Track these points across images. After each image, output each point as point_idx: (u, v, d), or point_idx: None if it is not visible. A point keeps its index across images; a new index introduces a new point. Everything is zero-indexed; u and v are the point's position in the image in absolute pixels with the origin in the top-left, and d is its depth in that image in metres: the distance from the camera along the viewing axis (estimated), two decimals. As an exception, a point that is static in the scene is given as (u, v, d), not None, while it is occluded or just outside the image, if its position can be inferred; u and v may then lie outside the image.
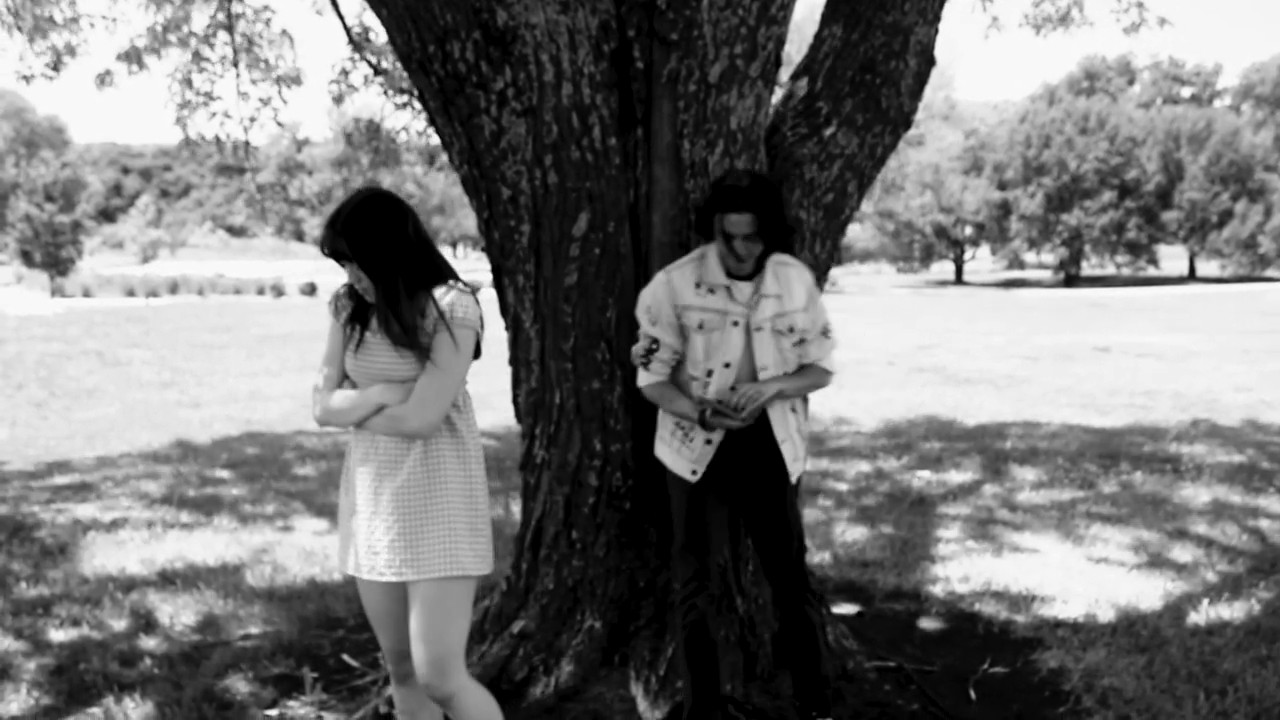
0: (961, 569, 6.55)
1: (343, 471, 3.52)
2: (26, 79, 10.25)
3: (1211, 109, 72.73)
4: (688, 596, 4.07)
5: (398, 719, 3.72)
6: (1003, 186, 66.80)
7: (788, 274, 4.05)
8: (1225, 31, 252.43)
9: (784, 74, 4.96)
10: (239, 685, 4.90)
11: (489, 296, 4.81)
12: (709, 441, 4.01)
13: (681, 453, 4.06)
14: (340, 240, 3.22)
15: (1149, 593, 6.04)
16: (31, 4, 9.60)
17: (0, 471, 10.19)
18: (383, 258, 3.23)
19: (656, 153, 4.39)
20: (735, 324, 3.94)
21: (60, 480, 9.62)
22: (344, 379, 3.43)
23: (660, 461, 4.18)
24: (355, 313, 3.37)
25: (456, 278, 3.34)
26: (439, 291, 3.29)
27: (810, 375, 4.12)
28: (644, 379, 4.05)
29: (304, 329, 28.29)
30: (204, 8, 10.27)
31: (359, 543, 3.39)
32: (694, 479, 4.03)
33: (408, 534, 3.30)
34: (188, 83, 10.68)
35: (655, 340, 3.98)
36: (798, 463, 4.16)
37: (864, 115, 4.80)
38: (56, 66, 10.25)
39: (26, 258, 56.54)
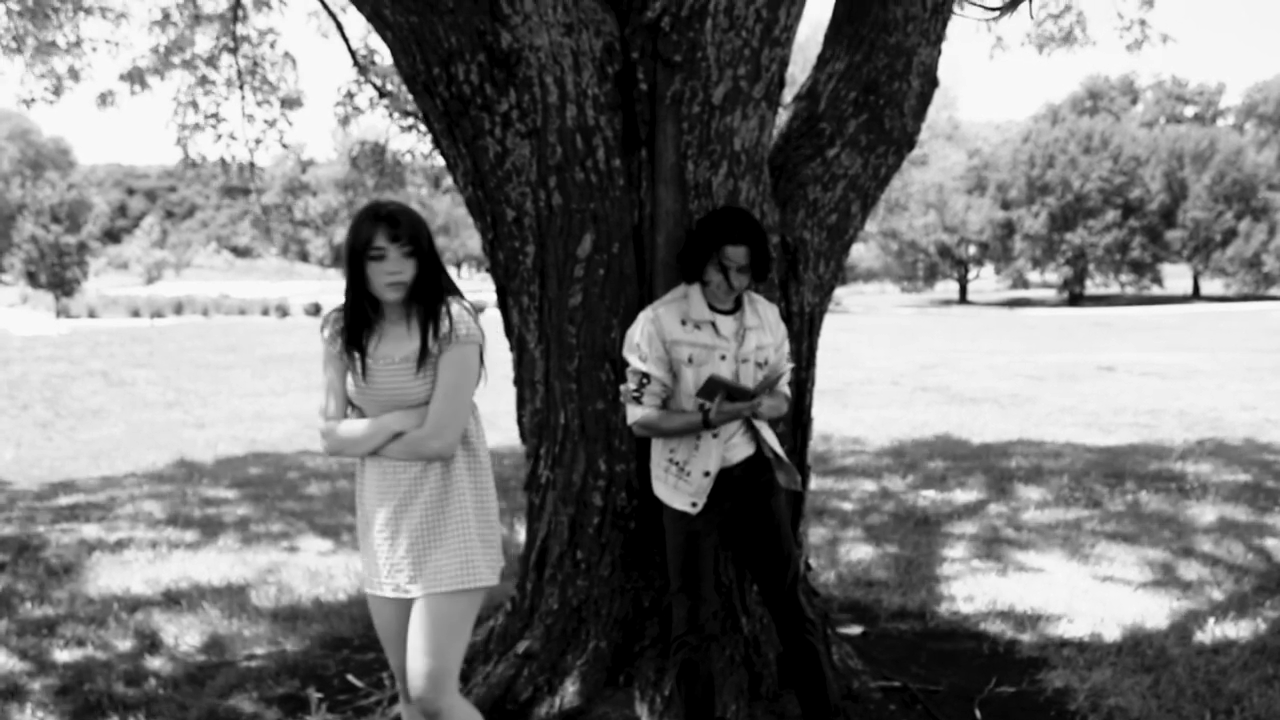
0: (967, 588, 6.54)
1: (357, 497, 3.51)
2: (27, 103, 10.30)
3: (1215, 128, 72.90)
4: (680, 636, 4.11)
5: None
6: (1006, 206, 66.93)
7: (762, 308, 4.21)
8: (1228, 51, 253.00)
9: (787, 95, 4.98)
10: (244, 706, 4.90)
11: (493, 317, 4.83)
12: (707, 474, 4.03)
13: (679, 487, 4.07)
14: (405, 225, 3.27)
15: (1155, 612, 6.03)
16: (34, 28, 9.64)
17: (6, 492, 10.21)
18: (435, 257, 3.33)
19: (660, 174, 4.41)
20: (723, 357, 4.03)
21: (65, 500, 9.63)
22: (349, 407, 3.44)
23: (658, 499, 4.19)
24: (352, 338, 3.35)
25: (459, 294, 3.41)
26: (449, 308, 3.33)
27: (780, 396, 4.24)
28: (637, 414, 4.06)
29: (308, 349, 28.32)
30: (208, 30, 10.32)
31: (379, 563, 3.41)
32: (695, 510, 4.05)
33: (427, 548, 3.33)
34: (193, 104, 10.72)
35: (646, 376, 4.01)
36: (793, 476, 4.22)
37: (867, 136, 4.83)
38: (58, 91, 10.29)
39: (32, 278, 56.71)
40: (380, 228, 3.26)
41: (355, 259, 3.28)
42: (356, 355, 3.35)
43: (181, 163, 11.19)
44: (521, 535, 5.10)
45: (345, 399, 3.42)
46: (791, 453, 4.80)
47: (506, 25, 4.19)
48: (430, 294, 3.31)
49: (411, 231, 3.27)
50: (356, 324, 3.35)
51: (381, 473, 3.39)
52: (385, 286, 3.28)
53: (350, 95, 11.34)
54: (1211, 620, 5.81)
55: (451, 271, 3.55)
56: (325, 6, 10.46)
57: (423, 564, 3.33)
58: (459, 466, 3.39)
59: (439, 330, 3.30)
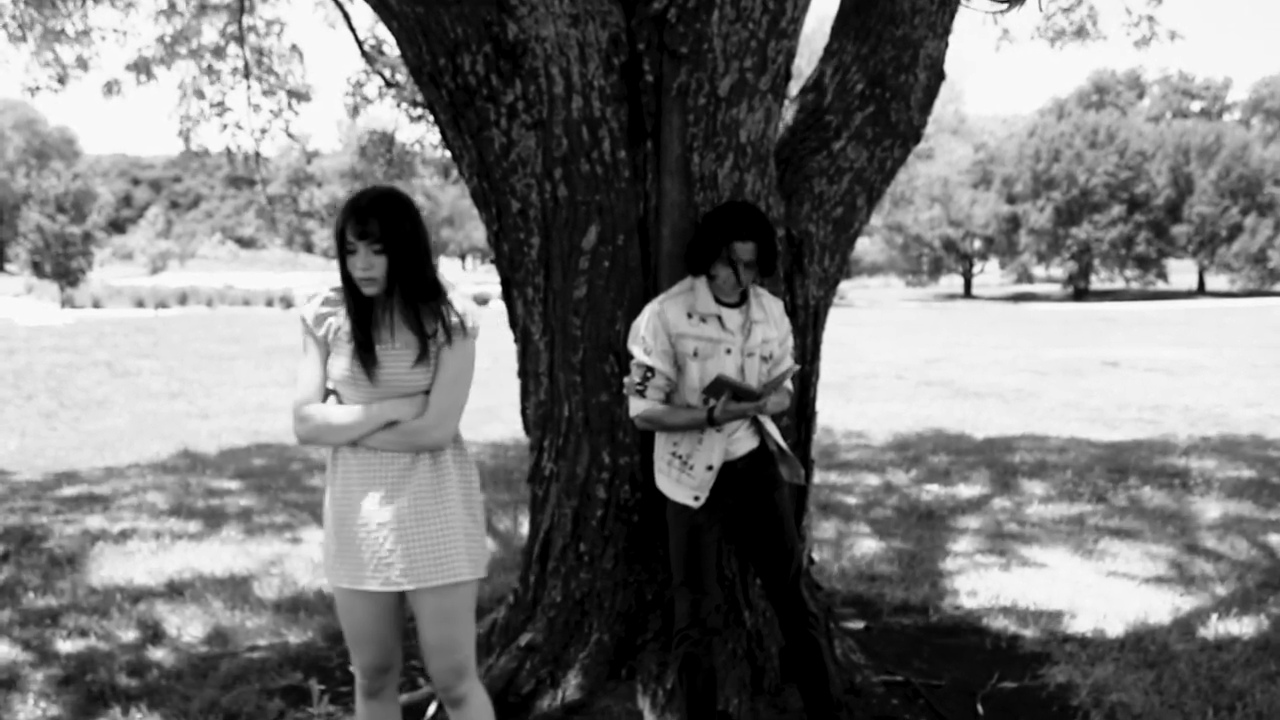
0: (970, 583, 6.53)
1: (329, 488, 3.38)
2: (32, 91, 10.30)
3: (1221, 123, 72.76)
4: (682, 629, 4.10)
5: None
6: (1012, 200, 66.84)
7: (768, 301, 4.20)
8: (1235, 45, 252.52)
9: (794, 87, 4.97)
10: (247, 697, 4.89)
11: (498, 309, 4.83)
12: (710, 467, 4.03)
13: (682, 481, 4.07)
14: (375, 222, 3.12)
15: (1158, 607, 6.02)
16: (41, 17, 9.62)
17: (9, 482, 10.21)
18: (415, 252, 3.19)
19: (666, 166, 4.40)
20: (728, 351, 4.02)
21: (69, 491, 9.63)
22: (328, 395, 3.33)
23: (661, 492, 4.19)
24: (357, 325, 3.24)
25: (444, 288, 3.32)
26: (453, 299, 3.27)
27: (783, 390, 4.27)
28: (639, 407, 4.06)
29: (313, 340, 28.31)
30: (215, 20, 10.31)
31: (361, 556, 3.28)
32: (697, 505, 4.05)
33: (422, 541, 3.25)
34: (199, 94, 10.72)
35: (650, 369, 4.00)
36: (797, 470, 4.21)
37: (873, 129, 4.81)
38: (63, 79, 10.28)
39: (37, 268, 56.71)
40: (350, 222, 3.15)
41: (339, 248, 3.21)
42: (352, 342, 3.24)
43: (184, 153, 11.18)
44: (525, 527, 5.09)
45: (324, 385, 3.32)
46: (795, 446, 4.79)
47: (513, 16, 4.18)
48: (413, 288, 3.21)
49: (382, 229, 3.13)
50: (358, 310, 3.24)
51: (365, 463, 3.27)
52: (358, 281, 3.20)
53: (359, 85, 11.35)
54: (1215, 616, 5.80)
55: (455, 264, 3.43)
56: (332, -3, 10.46)
57: (418, 557, 3.24)
58: (447, 458, 3.32)
59: (447, 322, 3.23)
